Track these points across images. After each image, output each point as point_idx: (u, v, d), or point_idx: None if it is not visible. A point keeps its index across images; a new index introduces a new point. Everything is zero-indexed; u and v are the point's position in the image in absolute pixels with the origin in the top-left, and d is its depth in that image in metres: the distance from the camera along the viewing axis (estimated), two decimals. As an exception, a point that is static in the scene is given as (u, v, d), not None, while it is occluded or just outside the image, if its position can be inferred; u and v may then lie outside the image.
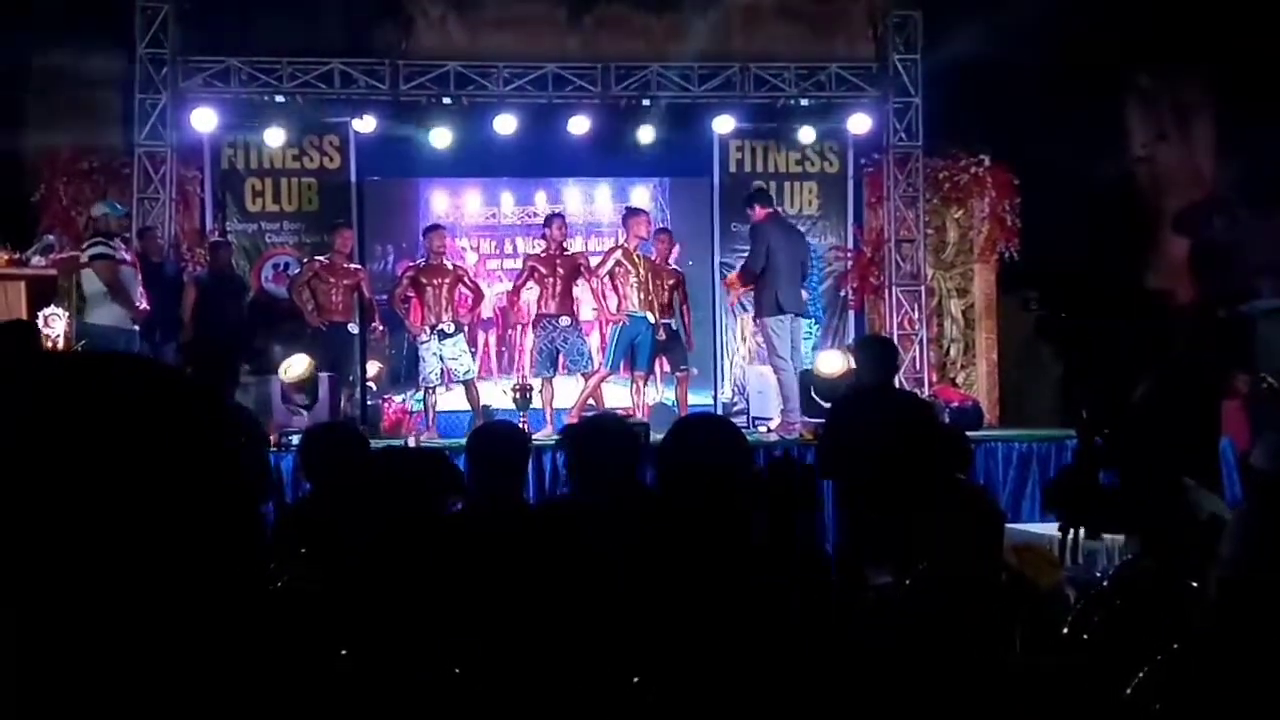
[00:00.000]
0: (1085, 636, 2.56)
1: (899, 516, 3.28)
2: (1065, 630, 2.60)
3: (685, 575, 2.15)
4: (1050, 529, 5.19)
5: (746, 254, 8.63)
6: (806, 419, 8.26)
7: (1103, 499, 3.31)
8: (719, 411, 8.89)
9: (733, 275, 9.08)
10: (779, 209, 9.09)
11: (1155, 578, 2.76)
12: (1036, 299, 9.24)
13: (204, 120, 9.76)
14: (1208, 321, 8.55)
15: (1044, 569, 4.10)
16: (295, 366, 8.14)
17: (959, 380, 10.40)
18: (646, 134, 10.08)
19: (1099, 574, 4.26)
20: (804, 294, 8.56)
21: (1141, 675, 1.87)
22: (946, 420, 7.94)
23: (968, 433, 5.72)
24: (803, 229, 10.55)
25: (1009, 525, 4.28)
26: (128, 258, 8.21)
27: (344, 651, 2.35)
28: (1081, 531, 4.60)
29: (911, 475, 3.69)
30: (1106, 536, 4.61)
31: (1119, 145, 11.25)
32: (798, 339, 8.41)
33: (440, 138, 9.91)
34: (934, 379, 10.14)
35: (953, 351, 10.65)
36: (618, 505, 2.58)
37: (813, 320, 8.70)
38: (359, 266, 9.40)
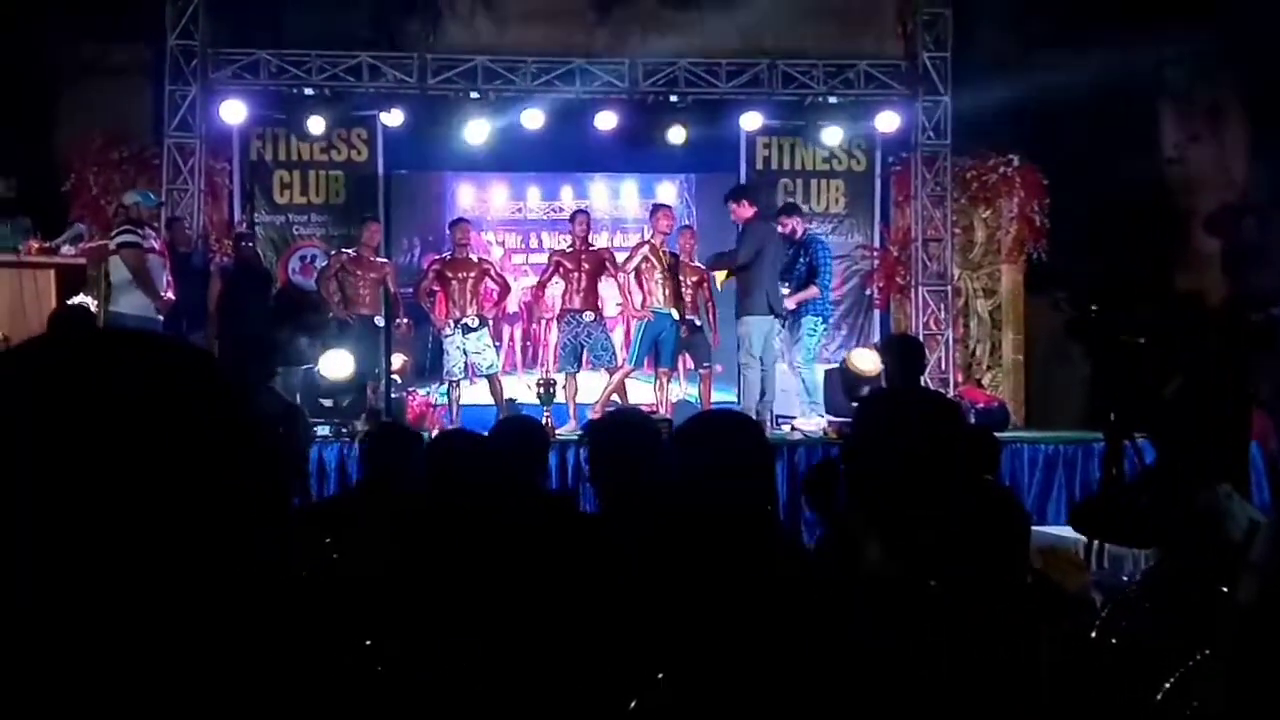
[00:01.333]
0: (1114, 641, 2.54)
1: (923, 518, 3.25)
2: (1093, 635, 2.58)
3: (704, 573, 2.14)
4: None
5: (732, 248, 8.58)
6: (832, 417, 8.24)
7: (1133, 517, 3.27)
8: (740, 408, 8.85)
9: (717, 263, 9.03)
10: (761, 206, 8.96)
11: (1184, 583, 2.73)
12: (1066, 298, 9.13)
13: (233, 112, 9.80)
14: (1238, 323, 8.46)
15: (1070, 572, 4.08)
16: (338, 366, 8.13)
17: (985, 381, 10.34)
18: (674, 131, 10.06)
19: (1125, 578, 4.23)
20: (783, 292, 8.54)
21: (1173, 681, 1.85)
22: (972, 421, 7.90)
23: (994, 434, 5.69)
24: (828, 227, 10.57)
25: (1035, 528, 4.26)
26: (156, 246, 8.25)
27: (367, 642, 2.35)
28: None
29: (936, 476, 3.66)
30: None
31: (1150, 146, 11.14)
32: (772, 338, 8.40)
33: (474, 132, 9.90)
34: (959, 379, 10.09)
35: (978, 352, 10.58)
36: (637, 501, 2.56)
37: (819, 318, 8.62)
38: (385, 260, 9.42)
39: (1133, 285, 9.96)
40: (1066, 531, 5.44)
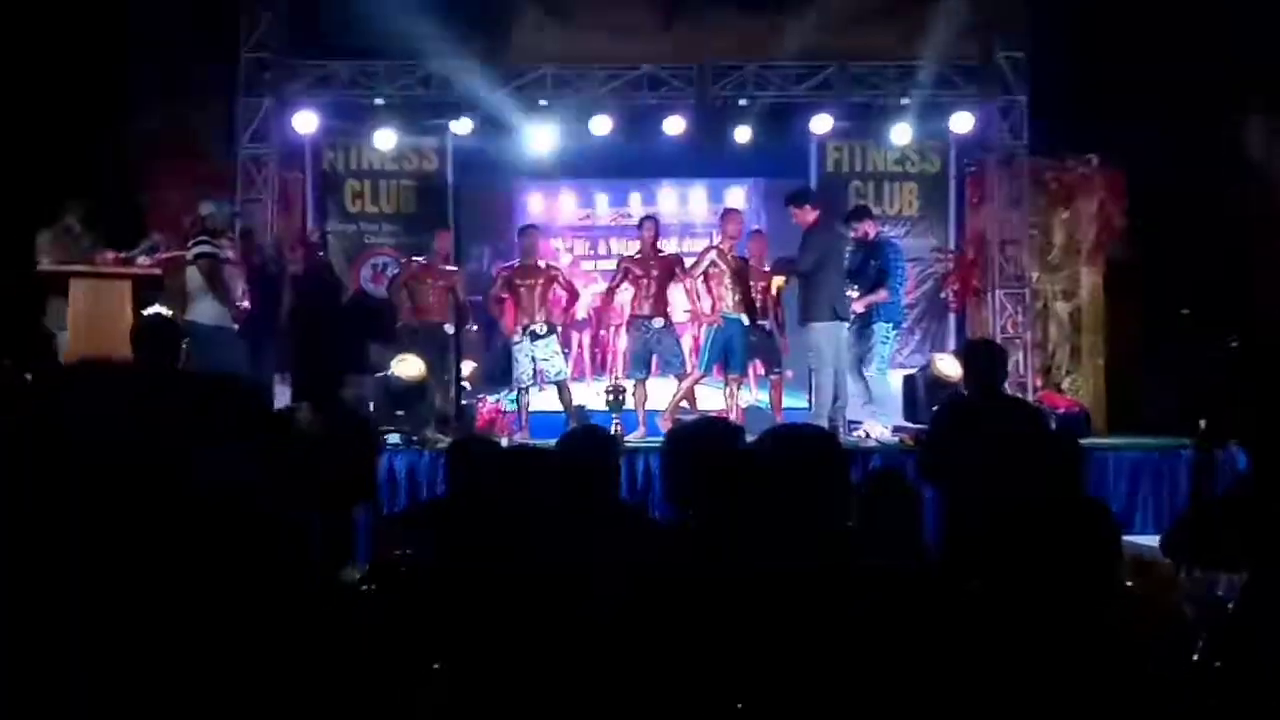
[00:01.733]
0: (1217, 664, 2.41)
1: (1008, 530, 3.13)
2: (1196, 657, 2.45)
3: (786, 594, 2.06)
4: (1166, 543, 4.96)
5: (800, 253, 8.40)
6: (908, 424, 8.08)
7: (1227, 541, 3.11)
8: (811, 412, 8.70)
9: (780, 268, 8.90)
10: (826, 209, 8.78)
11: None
12: (1158, 295, 8.89)
13: (305, 123, 9.90)
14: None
15: (1161, 586, 3.91)
16: (410, 366, 8.16)
17: (1064, 386, 10.10)
18: (743, 134, 9.96)
19: (1220, 592, 4.05)
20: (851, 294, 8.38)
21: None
22: (1053, 427, 7.68)
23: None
24: (902, 230, 10.40)
25: (1123, 539, 4.09)
26: (232, 256, 8.33)
27: (436, 665, 2.31)
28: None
29: (1020, 486, 3.54)
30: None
31: (1234, 147, 10.82)
32: (842, 343, 8.21)
33: (538, 139, 9.90)
34: (1039, 384, 9.86)
35: (1058, 356, 10.35)
36: (716, 518, 2.47)
37: (891, 324, 8.43)
38: (455, 268, 9.44)
39: (1215, 288, 9.69)
40: (1155, 541, 5.25)
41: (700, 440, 2.60)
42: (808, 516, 2.11)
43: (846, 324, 8.22)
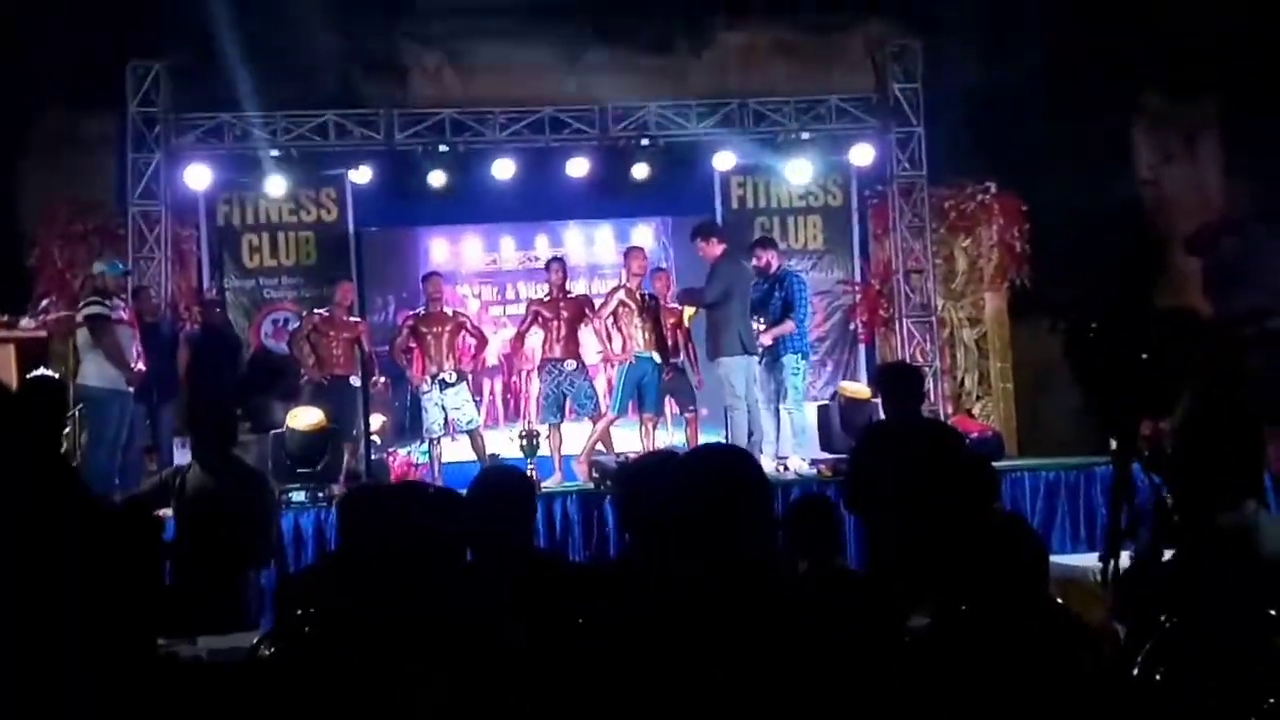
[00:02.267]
0: (1157, 678, 2.34)
1: (934, 553, 3.05)
2: (1135, 672, 2.38)
3: (721, 631, 1.94)
4: (1089, 559, 4.95)
5: (705, 285, 8.40)
6: (828, 454, 8.06)
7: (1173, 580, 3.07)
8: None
9: (686, 298, 8.87)
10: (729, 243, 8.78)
11: (1227, 612, 2.54)
12: (1064, 319, 8.99)
13: (198, 177, 9.65)
14: (1232, 341, 8.35)
15: (1089, 603, 3.87)
16: (306, 416, 7.91)
17: (975, 411, 10.18)
18: (645, 172, 9.93)
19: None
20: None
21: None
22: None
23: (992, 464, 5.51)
24: (808, 263, 10.44)
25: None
26: (124, 316, 8.04)
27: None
28: (1125, 562, 4.36)
29: (944, 508, 3.47)
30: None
31: (1126, 168, 11.10)
32: (754, 378, 8.20)
33: (436, 180, 9.76)
34: (950, 410, 9.92)
35: (967, 382, 10.44)
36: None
37: (799, 355, 8.42)
38: (359, 319, 9.24)
39: (1117, 307, 9.86)
40: (1077, 560, 5.25)
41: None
42: (734, 539, 2.00)
43: (755, 358, 8.19)
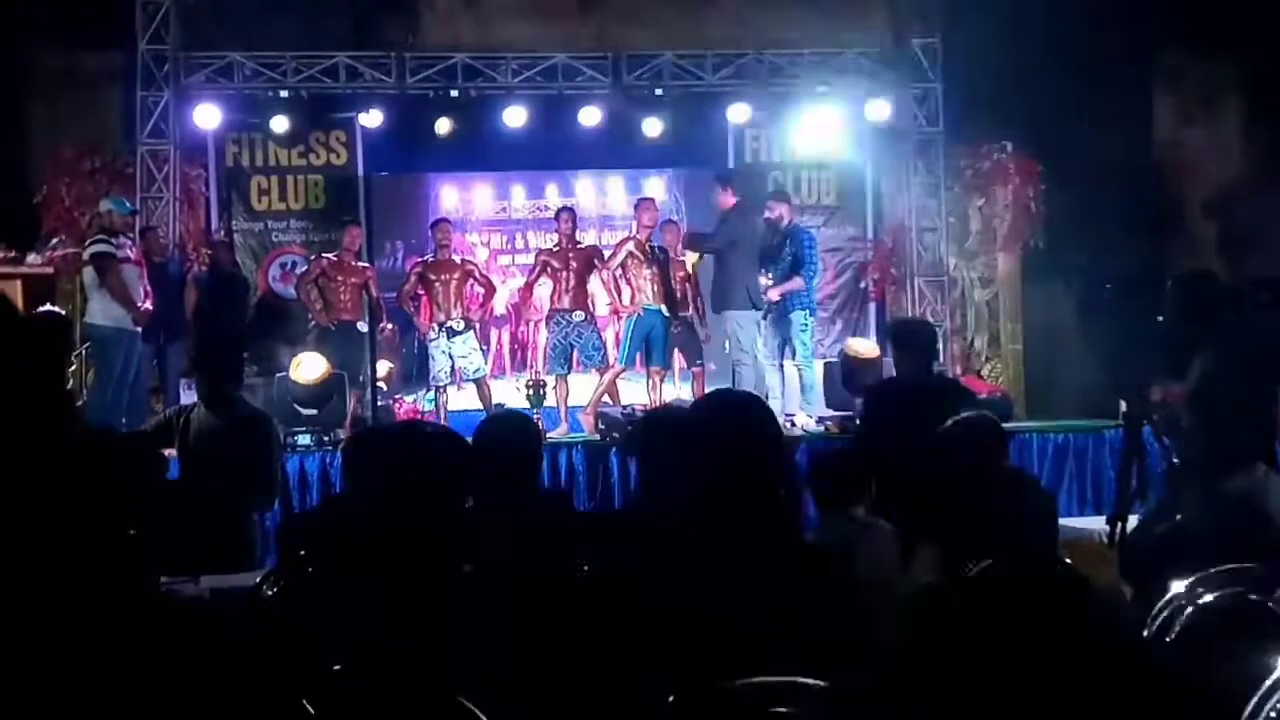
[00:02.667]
0: (1168, 640, 2.31)
1: (947, 512, 3.01)
2: (1146, 634, 2.35)
3: (732, 580, 1.91)
4: (1096, 522, 4.93)
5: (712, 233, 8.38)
6: (833, 411, 8.03)
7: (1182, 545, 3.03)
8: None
9: (692, 242, 8.77)
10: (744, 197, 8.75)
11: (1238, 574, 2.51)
12: (1078, 281, 8.99)
13: (207, 117, 9.55)
14: (1248, 306, 8.27)
15: (1096, 565, 3.84)
16: (310, 368, 7.87)
17: (984, 372, 10.12)
18: (658, 129, 9.82)
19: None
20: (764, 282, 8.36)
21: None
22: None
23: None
24: (820, 219, 10.36)
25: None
26: (131, 256, 8.01)
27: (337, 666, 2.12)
28: (1133, 522, 4.33)
29: (957, 467, 3.44)
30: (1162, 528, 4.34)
31: (1144, 130, 10.97)
32: (759, 333, 8.23)
33: (443, 127, 9.65)
34: (959, 371, 9.86)
35: (977, 343, 10.37)
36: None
37: (807, 311, 8.42)
38: (367, 265, 9.18)
39: (1132, 270, 9.79)
40: (1084, 522, 5.23)
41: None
42: (747, 484, 1.97)
43: (761, 313, 8.19)
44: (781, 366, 8.40)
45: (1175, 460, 5.36)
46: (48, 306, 6.91)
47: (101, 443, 2.35)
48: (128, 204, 8.46)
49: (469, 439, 3.20)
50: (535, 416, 7.90)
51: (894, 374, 4.76)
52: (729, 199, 8.29)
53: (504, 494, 3.11)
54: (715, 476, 1.99)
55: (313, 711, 2.00)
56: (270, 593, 2.87)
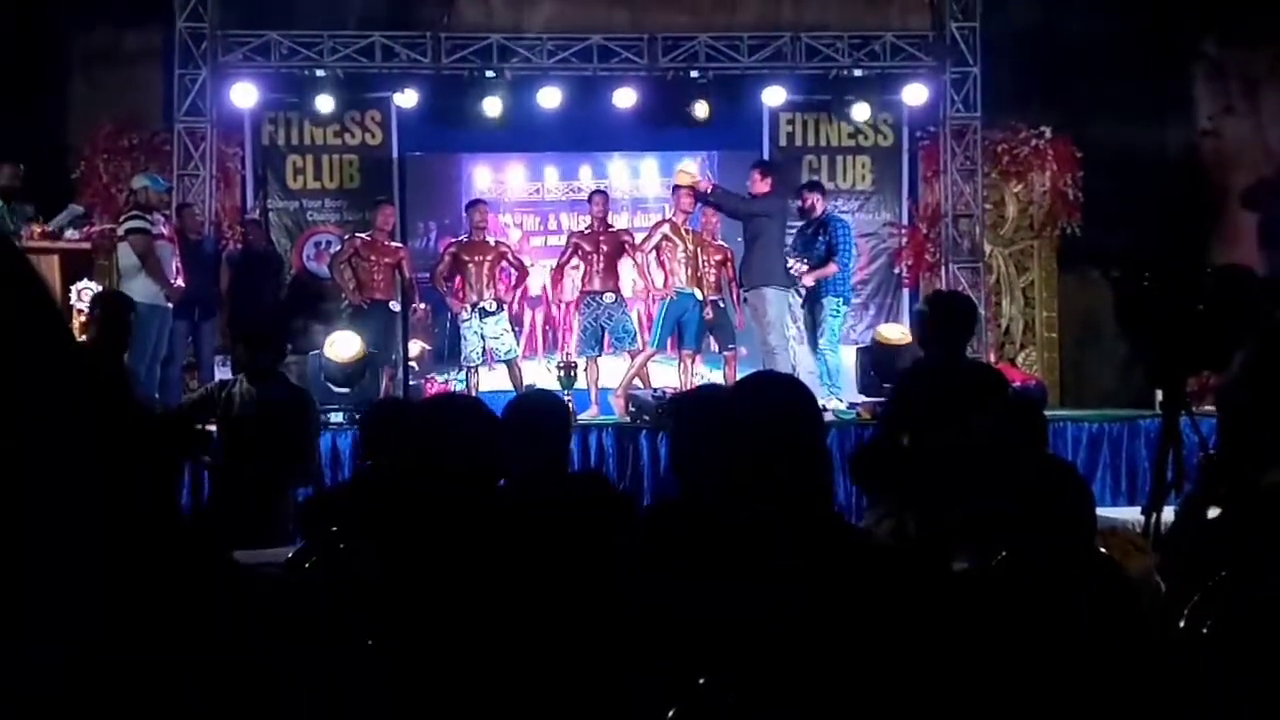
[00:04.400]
0: (1204, 631, 2.28)
1: (979, 496, 2.98)
2: (1181, 624, 2.32)
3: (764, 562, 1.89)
4: (1131, 513, 4.88)
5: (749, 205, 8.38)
6: (864, 397, 7.99)
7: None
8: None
9: (717, 194, 8.68)
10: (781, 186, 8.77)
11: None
12: (1115, 269, 8.85)
13: (244, 95, 9.59)
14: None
15: (1131, 554, 3.80)
16: (345, 346, 7.91)
17: (1019, 360, 10.04)
18: (706, 112, 9.77)
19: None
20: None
21: None
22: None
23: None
24: (855, 204, 10.31)
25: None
26: (165, 232, 8.05)
27: (369, 640, 2.12)
28: (1169, 515, 4.29)
29: (988, 452, 3.41)
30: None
31: (1184, 118, 10.83)
32: (786, 311, 8.23)
33: (490, 107, 9.63)
34: (993, 358, 9.79)
35: (1012, 330, 10.29)
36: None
37: (840, 299, 8.44)
38: (400, 245, 9.20)
39: (1171, 259, 9.67)
40: (1119, 512, 5.18)
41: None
42: (787, 466, 1.95)
43: (793, 291, 8.23)
44: (821, 353, 8.41)
45: (1211, 451, 5.30)
46: (86, 283, 6.97)
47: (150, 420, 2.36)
48: (162, 180, 8.51)
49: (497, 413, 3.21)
50: (566, 398, 7.94)
51: (921, 354, 4.67)
52: (762, 185, 8.31)
53: (532, 471, 3.11)
54: (755, 459, 1.98)
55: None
56: (301, 569, 2.88)
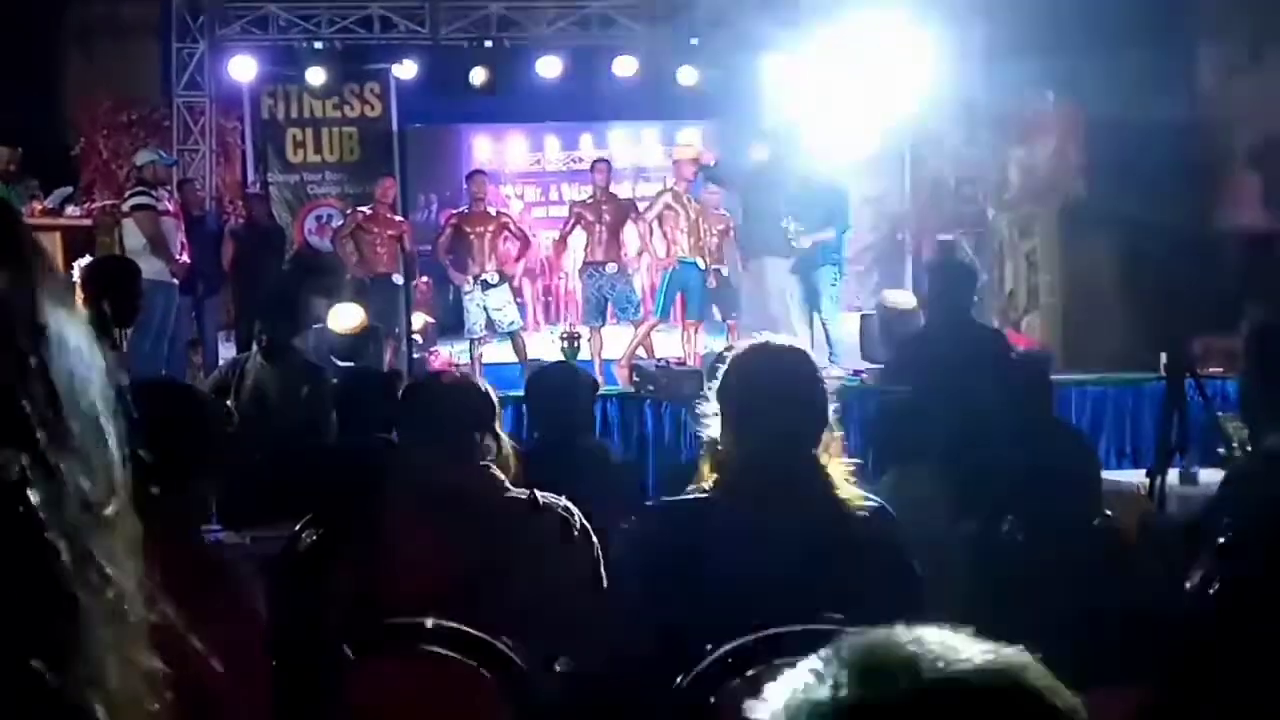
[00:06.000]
0: (1212, 591, 2.27)
1: (984, 461, 2.99)
2: (1188, 584, 2.31)
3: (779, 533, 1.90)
4: (1136, 475, 4.89)
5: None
6: (869, 364, 7.99)
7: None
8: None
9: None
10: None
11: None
12: (1119, 233, 8.84)
13: (242, 69, 9.55)
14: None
15: (1131, 518, 3.81)
16: (347, 317, 7.92)
17: (1022, 325, 10.02)
18: (692, 75, 9.71)
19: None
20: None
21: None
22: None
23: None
24: (858, 170, 10.25)
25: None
26: (170, 208, 8.04)
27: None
28: (1173, 478, 4.29)
29: (995, 416, 3.41)
30: (1202, 482, 4.30)
31: (1190, 80, 10.75)
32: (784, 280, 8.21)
33: (481, 76, 9.59)
34: (997, 323, 9.76)
35: (1016, 295, 10.27)
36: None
37: (835, 268, 8.40)
38: (402, 218, 9.20)
39: (1176, 222, 9.65)
40: (1123, 475, 5.18)
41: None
42: (791, 428, 1.96)
43: (790, 260, 8.19)
44: (812, 321, 8.38)
45: (1217, 413, 5.30)
46: (87, 259, 6.94)
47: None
48: (167, 155, 8.48)
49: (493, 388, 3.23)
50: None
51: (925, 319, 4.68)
52: (762, 154, 8.29)
53: (553, 441, 3.14)
54: (754, 426, 1.98)
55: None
56: (308, 541, 2.89)
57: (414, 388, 3.03)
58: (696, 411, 2.20)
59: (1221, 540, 2.60)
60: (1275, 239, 8.86)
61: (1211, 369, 6.69)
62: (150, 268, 7.76)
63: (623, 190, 9.59)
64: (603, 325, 8.76)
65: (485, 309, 8.76)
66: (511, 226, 9.06)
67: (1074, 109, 10.08)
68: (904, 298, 8.37)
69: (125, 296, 4.77)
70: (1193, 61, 10.73)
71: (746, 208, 8.26)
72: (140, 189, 7.89)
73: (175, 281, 7.99)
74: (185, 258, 8.05)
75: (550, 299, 10.40)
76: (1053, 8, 9.91)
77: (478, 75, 9.57)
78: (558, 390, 3.31)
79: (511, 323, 8.86)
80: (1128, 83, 10.09)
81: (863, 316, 8.65)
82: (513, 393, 4.81)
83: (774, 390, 1.99)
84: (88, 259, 6.86)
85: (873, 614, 1.86)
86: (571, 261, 9.59)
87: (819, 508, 1.96)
